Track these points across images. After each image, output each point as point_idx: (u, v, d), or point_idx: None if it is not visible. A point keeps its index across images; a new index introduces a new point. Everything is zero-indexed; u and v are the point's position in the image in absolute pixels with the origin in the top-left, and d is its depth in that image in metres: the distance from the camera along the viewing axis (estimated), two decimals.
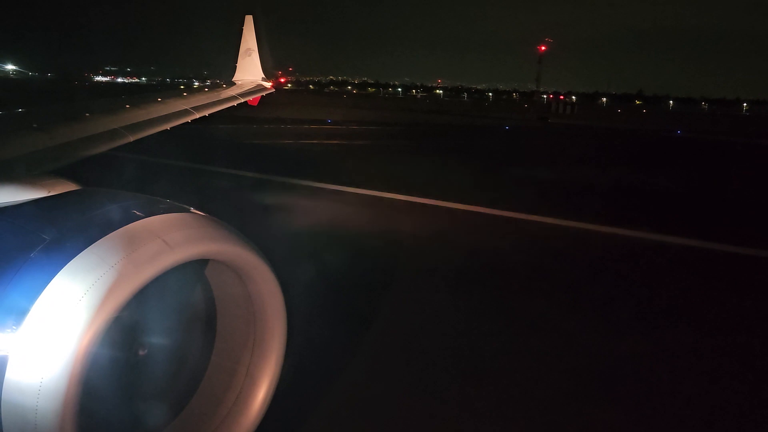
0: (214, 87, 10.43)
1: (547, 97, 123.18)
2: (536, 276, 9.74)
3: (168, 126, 5.90)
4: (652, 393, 5.94)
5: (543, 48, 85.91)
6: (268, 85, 12.30)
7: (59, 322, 1.97)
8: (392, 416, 5.35)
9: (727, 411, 5.80)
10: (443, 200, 15.35)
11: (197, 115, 6.82)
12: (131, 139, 4.86)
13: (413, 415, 5.37)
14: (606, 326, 7.72)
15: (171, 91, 8.08)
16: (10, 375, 1.95)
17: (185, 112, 6.53)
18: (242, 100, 9.66)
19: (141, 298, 2.23)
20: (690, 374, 6.52)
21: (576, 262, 10.77)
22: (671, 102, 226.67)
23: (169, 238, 2.25)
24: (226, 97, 8.83)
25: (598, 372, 6.40)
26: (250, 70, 12.83)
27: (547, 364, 6.53)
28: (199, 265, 2.69)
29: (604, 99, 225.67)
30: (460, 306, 8.17)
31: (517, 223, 13.74)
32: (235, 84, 11.55)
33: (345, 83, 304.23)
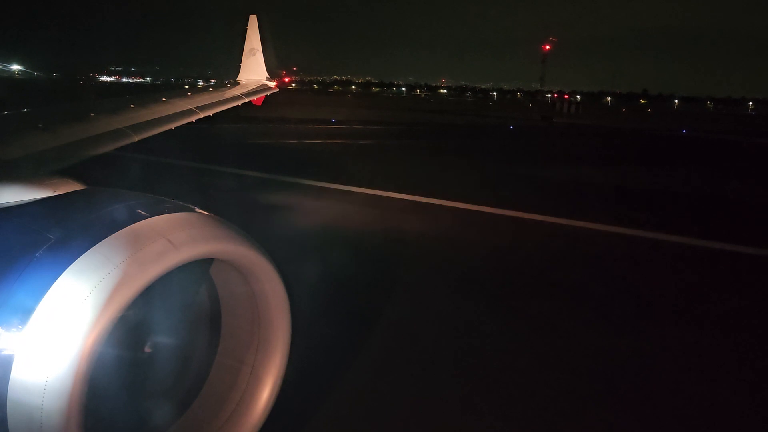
0: (218, 87, 10.45)
1: (552, 97, 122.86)
2: (539, 275, 9.73)
3: (173, 126, 5.93)
4: (652, 393, 5.93)
5: (547, 47, 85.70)
6: (272, 84, 12.30)
7: (64, 322, 1.97)
8: (395, 416, 5.36)
9: (727, 411, 5.78)
10: (450, 200, 15.35)
11: (202, 115, 6.84)
12: (136, 138, 4.88)
13: (416, 415, 5.37)
14: (608, 326, 7.72)
15: (175, 90, 8.10)
16: (15, 374, 1.96)
17: (190, 112, 6.55)
18: (246, 100, 9.67)
19: (146, 297, 2.23)
20: (690, 374, 6.50)
21: (580, 260, 10.75)
22: (676, 101, 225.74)
23: (174, 238, 2.25)
24: (231, 97, 8.84)
25: (599, 371, 6.39)
26: (254, 70, 12.84)
27: (547, 363, 6.52)
28: (204, 264, 2.70)
29: (609, 98, 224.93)
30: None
31: (523, 222, 13.73)
32: (239, 84, 11.57)
33: (349, 83, 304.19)
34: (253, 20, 13.37)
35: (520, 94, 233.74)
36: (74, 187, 2.67)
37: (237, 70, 13.03)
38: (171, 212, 2.43)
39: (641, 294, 9.11)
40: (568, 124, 59.30)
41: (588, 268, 10.34)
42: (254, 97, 10.50)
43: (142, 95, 6.30)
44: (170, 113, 6.03)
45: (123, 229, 2.21)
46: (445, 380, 6.02)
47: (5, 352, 1.97)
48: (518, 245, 11.70)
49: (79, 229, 2.24)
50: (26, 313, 1.99)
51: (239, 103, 9.19)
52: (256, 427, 2.83)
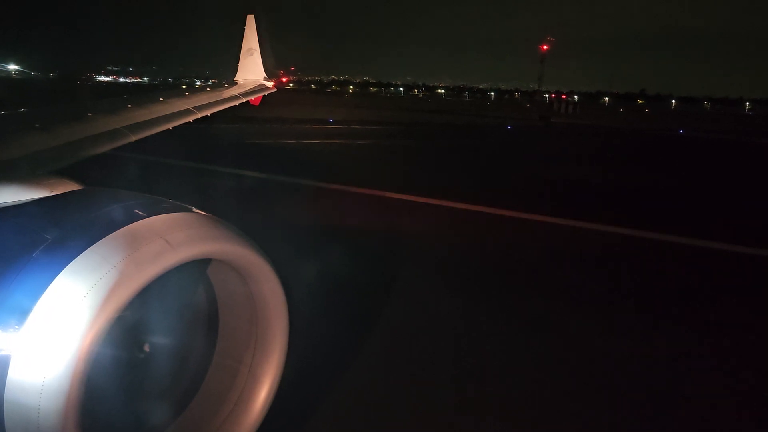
0: (216, 86, 10.43)
1: (549, 97, 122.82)
2: (537, 275, 9.74)
3: (170, 126, 5.91)
4: (653, 394, 5.94)
5: (545, 47, 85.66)
6: (269, 84, 12.29)
7: (62, 322, 1.97)
8: (394, 415, 5.35)
9: (728, 412, 5.79)
10: (449, 200, 15.36)
11: (199, 115, 6.82)
12: (133, 138, 4.87)
13: (415, 414, 5.37)
14: (607, 326, 7.72)
15: (173, 90, 8.08)
16: (12, 374, 1.95)
17: (187, 112, 6.53)
18: (244, 100, 9.65)
19: (143, 297, 2.23)
20: (692, 375, 6.51)
21: (578, 261, 10.76)
22: (674, 101, 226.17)
23: (171, 238, 2.25)
24: (228, 97, 8.82)
25: (600, 373, 6.40)
26: (252, 70, 12.83)
27: (548, 364, 6.52)
28: (202, 264, 2.69)
29: (606, 98, 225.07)
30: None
31: (522, 222, 13.74)
32: (237, 83, 11.55)
33: (347, 83, 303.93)
34: (250, 20, 13.36)
35: (518, 95, 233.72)
36: (71, 187, 2.66)
37: (235, 69, 13.01)
38: (168, 212, 2.42)
39: (640, 294, 9.13)
40: (566, 124, 59.38)
41: (587, 268, 10.35)
42: (252, 97, 10.48)
43: (139, 95, 6.28)
44: (168, 113, 6.01)
45: (120, 229, 2.20)
46: (445, 380, 6.02)
47: (2, 353, 1.96)
48: (517, 245, 11.70)
49: (77, 229, 2.23)
50: (23, 313, 1.98)
51: (237, 103, 9.17)
52: (254, 427, 2.83)
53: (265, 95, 11.64)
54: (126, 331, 2.42)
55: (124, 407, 2.54)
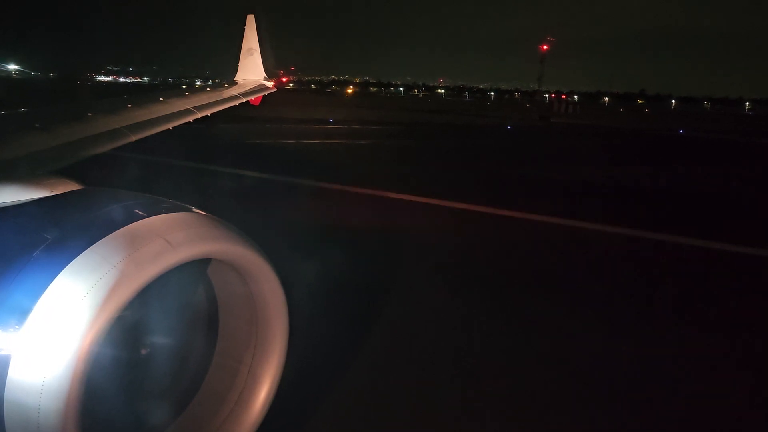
0: (216, 86, 10.42)
1: (549, 97, 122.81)
2: (537, 275, 9.73)
3: (170, 125, 5.90)
4: (654, 394, 5.94)
5: (545, 47, 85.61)
6: (270, 84, 12.27)
7: (62, 322, 1.97)
8: (394, 415, 5.35)
9: (729, 412, 5.79)
10: (449, 200, 15.35)
11: (199, 115, 6.81)
12: (133, 138, 4.86)
13: (415, 414, 5.37)
14: (607, 326, 7.72)
15: (173, 90, 8.07)
16: (12, 374, 1.95)
17: (187, 112, 6.52)
18: (244, 100, 9.64)
19: (143, 297, 2.22)
20: (692, 375, 6.51)
21: (578, 260, 10.75)
22: (673, 101, 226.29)
23: (172, 238, 2.24)
24: (228, 97, 8.81)
25: (600, 373, 6.40)
26: (252, 70, 12.81)
27: (548, 364, 6.52)
28: (202, 264, 2.69)
29: (606, 98, 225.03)
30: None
31: (522, 222, 13.74)
32: (237, 83, 11.53)
33: (347, 83, 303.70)
34: (250, 20, 13.34)
35: (518, 94, 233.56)
36: (71, 187, 2.66)
37: (235, 69, 13.00)
38: (169, 212, 2.42)
39: (640, 294, 9.13)
40: (566, 124, 59.43)
41: (587, 268, 10.35)
42: (252, 97, 10.46)
43: (139, 95, 6.27)
44: (168, 113, 6.00)
45: (120, 229, 2.20)
46: (445, 380, 6.02)
47: (2, 353, 1.96)
48: (517, 245, 11.71)
49: (77, 229, 2.23)
50: (23, 313, 1.98)
51: (237, 103, 9.16)
52: (254, 426, 2.83)
53: (265, 95, 11.64)
54: (126, 331, 2.41)
55: (124, 407, 2.54)
